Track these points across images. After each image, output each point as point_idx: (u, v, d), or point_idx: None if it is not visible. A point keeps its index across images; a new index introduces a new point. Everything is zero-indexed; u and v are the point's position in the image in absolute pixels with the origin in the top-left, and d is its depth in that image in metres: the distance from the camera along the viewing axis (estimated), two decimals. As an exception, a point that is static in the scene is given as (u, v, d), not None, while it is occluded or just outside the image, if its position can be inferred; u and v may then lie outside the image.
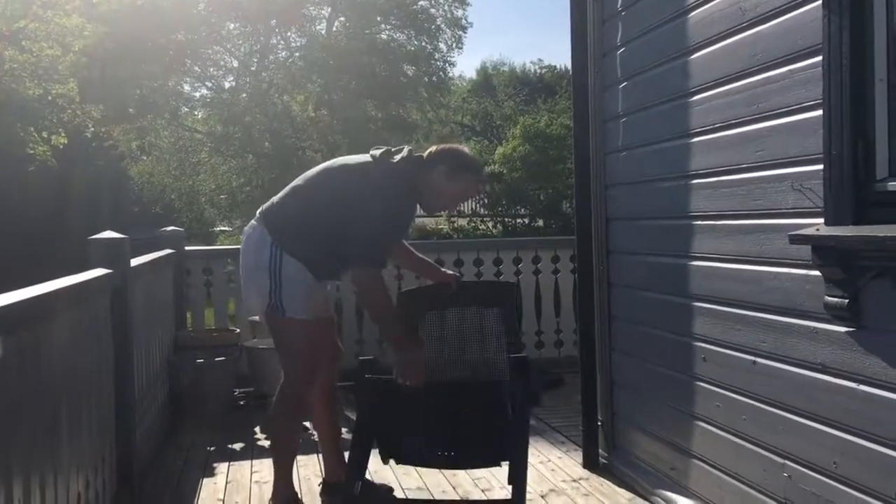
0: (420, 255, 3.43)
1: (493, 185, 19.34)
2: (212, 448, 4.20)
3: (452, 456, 3.08)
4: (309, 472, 3.72)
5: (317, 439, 3.53)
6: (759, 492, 2.54)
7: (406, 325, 3.07)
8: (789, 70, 2.34)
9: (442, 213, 3.43)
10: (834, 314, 2.15)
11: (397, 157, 2.97)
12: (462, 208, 20.91)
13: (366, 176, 2.94)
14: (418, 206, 3.08)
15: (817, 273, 2.20)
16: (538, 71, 32.65)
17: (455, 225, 19.09)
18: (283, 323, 2.98)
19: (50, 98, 16.21)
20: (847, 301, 2.09)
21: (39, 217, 17.26)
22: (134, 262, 3.49)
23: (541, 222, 19.44)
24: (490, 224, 19.80)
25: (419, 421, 2.98)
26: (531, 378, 2.95)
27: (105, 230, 3.33)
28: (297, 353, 3.00)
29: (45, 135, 16.27)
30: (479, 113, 30.51)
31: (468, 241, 12.84)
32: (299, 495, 3.26)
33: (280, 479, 3.11)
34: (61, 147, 16.30)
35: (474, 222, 19.67)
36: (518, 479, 2.79)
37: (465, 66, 55.59)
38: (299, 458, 3.71)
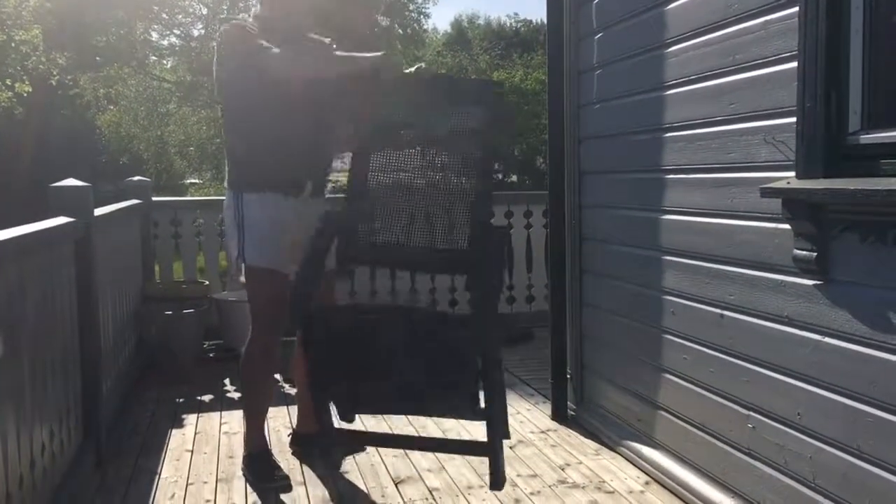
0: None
1: (467, 140, 19.18)
2: (180, 400, 4.18)
3: (415, 401, 2.59)
4: (279, 423, 3.71)
5: (293, 390, 3.52)
6: (724, 442, 2.58)
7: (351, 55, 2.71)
8: (765, 21, 2.32)
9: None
10: (802, 267, 2.16)
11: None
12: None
13: None
14: None
15: (787, 227, 2.20)
16: (514, 25, 32.30)
17: (428, 179, 18.93)
18: (248, 272, 2.94)
19: (13, 45, 15.74)
20: (815, 254, 2.10)
21: (1, 166, 16.91)
22: (98, 211, 3.41)
23: (514, 177, 19.42)
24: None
25: (371, 361, 2.48)
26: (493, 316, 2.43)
27: (69, 178, 3.24)
28: (259, 303, 2.96)
29: (8, 82, 15.83)
30: (454, 67, 30.18)
31: (441, 195, 12.74)
32: (269, 446, 3.25)
33: (251, 431, 3.10)
34: (25, 95, 15.88)
35: (447, 177, 19.51)
36: (495, 419, 2.42)
37: (440, 18, 54.88)
38: (269, 410, 3.71)
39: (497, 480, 2.41)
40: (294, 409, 3.92)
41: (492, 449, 2.40)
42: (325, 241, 2.51)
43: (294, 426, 3.40)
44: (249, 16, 2.96)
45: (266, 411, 3.18)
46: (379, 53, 2.63)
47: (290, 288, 2.58)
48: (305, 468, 3.14)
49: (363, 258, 2.64)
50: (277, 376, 4.26)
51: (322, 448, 3.12)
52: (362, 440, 3.12)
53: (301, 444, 3.27)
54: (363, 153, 2.54)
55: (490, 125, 2.45)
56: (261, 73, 2.73)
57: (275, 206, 2.88)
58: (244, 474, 3.06)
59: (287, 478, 3.00)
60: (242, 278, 3.00)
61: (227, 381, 4.54)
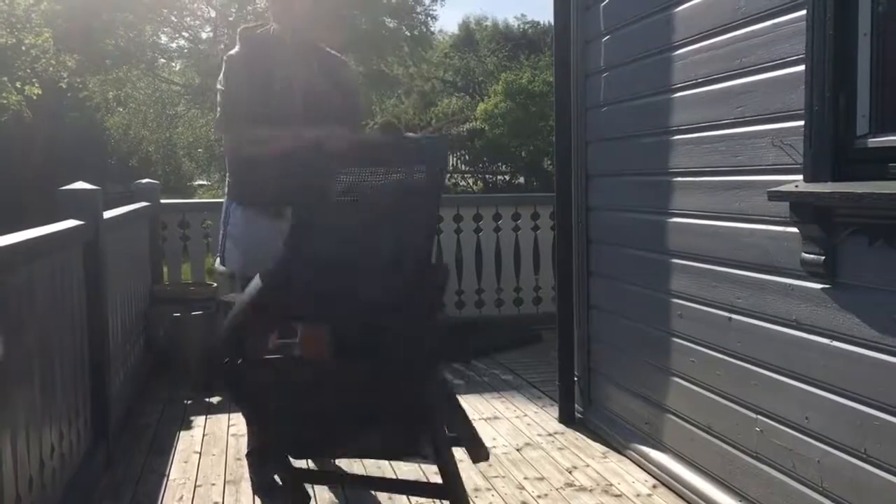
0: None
1: (474, 142, 19.24)
2: (188, 401, 4.19)
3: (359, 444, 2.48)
4: None
5: None
6: (731, 446, 2.57)
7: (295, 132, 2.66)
8: (773, 24, 2.31)
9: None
10: (809, 271, 2.16)
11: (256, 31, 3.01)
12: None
13: None
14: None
15: (795, 230, 2.20)
16: (521, 26, 32.29)
17: (436, 181, 18.92)
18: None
19: (23, 48, 15.82)
20: (823, 258, 2.09)
21: (11, 169, 16.98)
22: (107, 214, 3.43)
23: (522, 179, 19.41)
24: (471, 180, 19.74)
25: (305, 411, 2.38)
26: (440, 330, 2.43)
27: (79, 181, 3.26)
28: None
29: (18, 85, 15.91)
30: (461, 68, 30.21)
31: (448, 196, 12.77)
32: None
33: (252, 430, 3.12)
34: (35, 98, 15.95)
35: (454, 178, 19.61)
36: (440, 451, 2.29)
37: (448, 20, 54.94)
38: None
39: None
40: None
41: (451, 492, 2.32)
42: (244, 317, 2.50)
43: None
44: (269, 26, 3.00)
45: None
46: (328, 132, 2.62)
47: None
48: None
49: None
50: None
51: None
52: (319, 478, 3.03)
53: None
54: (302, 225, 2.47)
55: (433, 183, 2.38)
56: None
57: (256, 223, 2.93)
58: (251, 476, 3.07)
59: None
60: (217, 265, 3.14)
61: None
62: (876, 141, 1.99)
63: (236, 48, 2.96)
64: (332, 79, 2.98)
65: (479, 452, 2.51)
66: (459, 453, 3.29)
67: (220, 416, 3.93)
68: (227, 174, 3.05)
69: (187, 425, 3.79)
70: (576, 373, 3.73)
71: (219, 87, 2.91)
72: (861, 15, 2.01)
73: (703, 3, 2.66)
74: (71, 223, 2.91)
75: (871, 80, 2.01)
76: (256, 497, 2.92)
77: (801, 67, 2.16)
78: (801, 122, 2.15)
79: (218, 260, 3.11)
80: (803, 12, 2.14)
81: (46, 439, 2.44)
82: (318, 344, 2.49)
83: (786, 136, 2.25)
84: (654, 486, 2.96)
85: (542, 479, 3.05)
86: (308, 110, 2.88)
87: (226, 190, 3.08)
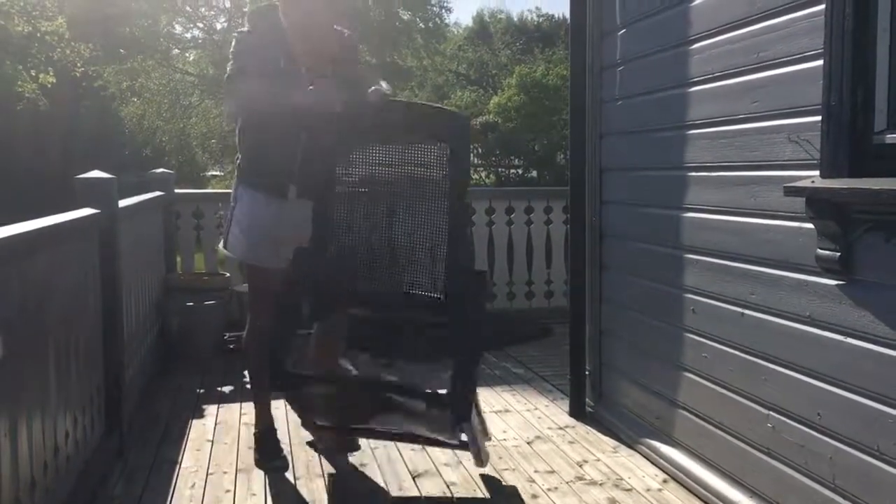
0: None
1: (488, 135, 19.21)
2: (201, 390, 4.22)
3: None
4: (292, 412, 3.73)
5: None
6: (743, 441, 2.57)
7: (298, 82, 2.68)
8: (791, 18, 2.30)
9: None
10: (825, 267, 2.15)
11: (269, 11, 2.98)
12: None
13: None
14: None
15: (810, 226, 2.19)
16: (536, 19, 32.21)
17: (448, 174, 18.91)
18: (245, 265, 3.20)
19: (39, 35, 15.90)
20: (839, 254, 2.08)
21: (27, 156, 17.09)
22: (122, 203, 3.45)
23: (534, 173, 19.38)
24: (483, 174, 19.72)
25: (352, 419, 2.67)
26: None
27: (95, 170, 3.28)
28: (248, 289, 3.20)
29: (33, 73, 16.00)
30: (475, 61, 30.18)
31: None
32: (287, 438, 3.30)
33: (256, 411, 3.24)
34: (49, 86, 16.04)
35: (467, 172, 19.52)
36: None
37: (462, 12, 54.76)
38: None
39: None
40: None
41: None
42: (292, 298, 2.58)
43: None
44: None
45: (267, 393, 3.23)
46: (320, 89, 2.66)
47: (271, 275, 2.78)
48: (324, 461, 3.16)
49: (337, 308, 2.65)
50: None
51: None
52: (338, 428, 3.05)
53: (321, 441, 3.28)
54: (328, 195, 2.54)
55: (458, 158, 2.37)
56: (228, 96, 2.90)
57: (262, 205, 2.97)
58: (254, 453, 3.19)
59: (284, 459, 3.13)
60: (220, 248, 3.22)
61: (246, 371, 4.56)
62: (893, 137, 1.97)
63: (246, 27, 2.97)
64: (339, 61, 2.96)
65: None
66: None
67: (231, 404, 3.95)
68: (238, 156, 3.07)
69: (200, 414, 3.82)
70: (587, 367, 3.73)
71: (228, 64, 2.91)
72: (881, 10, 1.99)
73: (721, -4, 2.65)
74: (87, 211, 2.93)
75: (889, 75, 2.00)
76: (271, 484, 2.94)
77: (819, 62, 2.14)
78: (818, 118, 2.14)
79: (221, 244, 3.17)
80: (822, 7, 2.13)
81: (61, 425, 2.47)
82: (332, 351, 2.58)
83: (802, 131, 2.24)
84: (665, 481, 2.96)
85: (552, 472, 3.05)
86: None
87: (235, 173, 3.10)
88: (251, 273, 3.13)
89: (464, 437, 2.63)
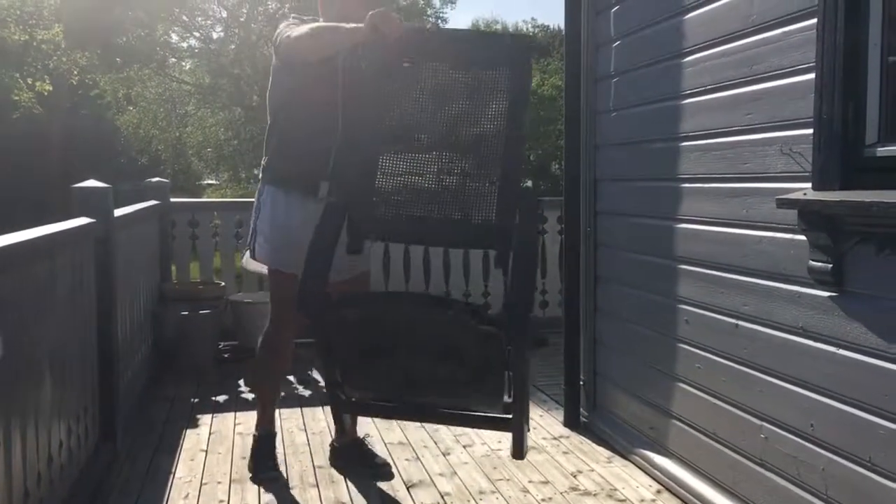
0: None
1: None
2: (195, 400, 4.21)
3: (438, 397, 2.36)
4: (292, 424, 3.74)
5: (306, 392, 3.54)
6: (736, 452, 2.57)
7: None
8: (784, 32, 2.32)
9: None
10: (817, 279, 2.16)
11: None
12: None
13: None
14: None
15: (802, 238, 2.20)
16: (531, 30, 32.30)
17: (444, 184, 18.92)
18: (269, 270, 3.04)
19: (35, 44, 15.91)
20: (831, 266, 2.10)
21: (23, 165, 17.08)
22: (118, 212, 3.46)
23: (529, 183, 19.39)
24: (479, 183, 19.67)
25: (391, 358, 2.28)
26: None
27: (89, 179, 3.29)
28: (272, 300, 3.07)
29: (29, 81, 16.00)
30: (471, 71, 30.17)
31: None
32: (282, 446, 3.29)
33: (259, 414, 3.18)
34: (46, 94, 16.05)
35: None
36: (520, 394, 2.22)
37: (458, 23, 54.95)
38: (283, 410, 3.73)
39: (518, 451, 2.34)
40: (308, 411, 3.95)
41: (517, 425, 2.28)
42: (332, 227, 2.36)
43: (333, 437, 3.35)
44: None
45: (274, 401, 3.21)
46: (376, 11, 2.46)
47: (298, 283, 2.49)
48: (318, 470, 3.16)
49: (376, 232, 2.45)
50: (292, 378, 4.30)
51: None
52: (376, 411, 2.76)
53: (340, 457, 3.23)
54: (368, 115, 2.37)
55: (520, 83, 2.28)
56: (282, 60, 2.79)
57: (286, 208, 2.92)
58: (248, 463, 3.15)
59: (276, 469, 3.10)
60: (244, 263, 3.11)
61: (241, 381, 4.57)
62: (885, 150, 1.99)
63: (292, 20, 2.89)
64: None
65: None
66: (465, 455, 3.30)
67: (226, 414, 3.95)
68: (264, 158, 3.01)
69: (194, 423, 3.81)
70: (581, 377, 3.74)
71: (277, 36, 2.81)
72: (872, 24, 2.02)
73: (715, 10, 2.67)
74: (82, 221, 2.93)
75: (880, 89, 2.02)
76: (265, 494, 2.94)
77: (811, 76, 2.16)
78: (811, 131, 2.16)
79: (247, 254, 3.06)
80: (814, 21, 2.15)
81: (55, 435, 2.46)
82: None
83: (795, 143, 2.26)
84: (659, 492, 2.96)
85: (546, 482, 3.05)
86: None
87: (260, 177, 3.03)
88: (275, 281, 3.00)
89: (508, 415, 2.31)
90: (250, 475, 3.09)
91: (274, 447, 3.17)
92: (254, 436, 3.19)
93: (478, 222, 2.32)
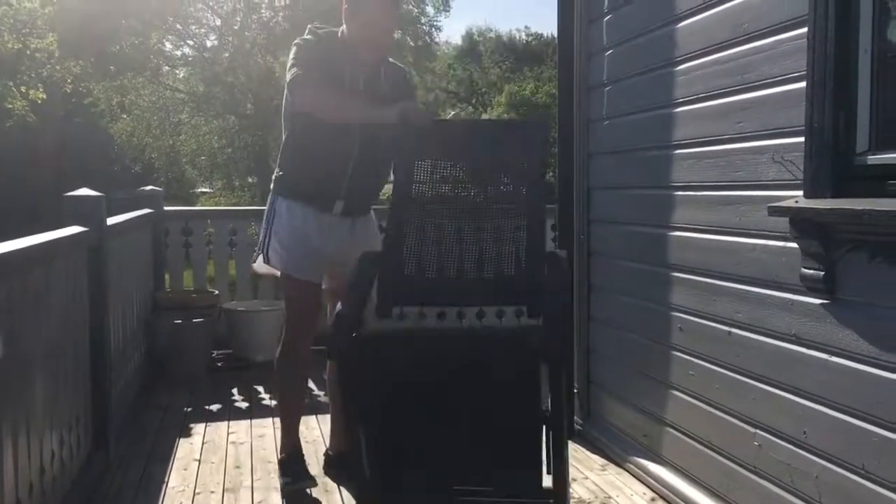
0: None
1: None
2: (188, 409, 4.20)
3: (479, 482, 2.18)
4: (316, 434, 3.71)
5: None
6: (730, 460, 2.58)
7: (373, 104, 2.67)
8: (776, 40, 2.33)
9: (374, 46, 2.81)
10: (809, 286, 2.17)
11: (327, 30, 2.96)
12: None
13: None
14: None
15: (795, 245, 2.21)
16: (525, 38, 32.43)
17: (438, 191, 18.97)
18: (281, 276, 3.04)
19: (29, 53, 15.88)
20: (823, 273, 2.10)
21: (17, 173, 17.03)
22: (111, 220, 3.45)
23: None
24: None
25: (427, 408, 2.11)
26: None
27: (83, 188, 3.28)
28: (287, 308, 3.06)
29: (23, 89, 15.97)
30: (465, 79, 30.32)
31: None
32: (276, 455, 3.27)
33: (284, 435, 3.11)
34: (39, 102, 16.02)
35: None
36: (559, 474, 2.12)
37: (452, 31, 55.17)
38: (277, 419, 3.71)
39: None
40: (302, 420, 3.93)
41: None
42: (364, 283, 2.34)
43: (328, 446, 3.33)
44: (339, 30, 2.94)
45: (298, 414, 3.16)
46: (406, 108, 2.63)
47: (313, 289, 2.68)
48: (344, 492, 3.05)
49: (408, 298, 2.39)
50: (312, 385, 4.25)
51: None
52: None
53: (335, 465, 3.21)
54: (402, 184, 2.47)
55: (536, 158, 2.43)
56: (296, 106, 2.82)
57: (303, 217, 2.93)
58: (280, 481, 3.05)
59: (313, 479, 3.02)
60: (256, 266, 3.10)
61: (234, 390, 4.55)
62: (876, 158, 2.00)
63: (308, 36, 2.90)
64: (395, 88, 2.98)
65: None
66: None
67: (219, 423, 3.93)
68: (278, 165, 3.02)
69: (187, 433, 3.80)
70: (575, 385, 3.74)
71: (290, 60, 2.82)
72: (862, 32, 2.03)
73: (706, 19, 2.68)
74: (75, 229, 2.93)
75: (871, 97, 2.03)
76: (254, 497, 2.92)
77: (803, 84, 2.17)
78: (802, 139, 2.17)
79: (260, 258, 3.04)
80: (805, 30, 2.16)
81: (47, 445, 2.45)
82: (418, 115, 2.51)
83: (786, 152, 2.27)
84: (653, 500, 2.96)
85: (540, 490, 3.04)
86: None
87: (273, 180, 3.04)
88: (290, 287, 3.00)
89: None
90: (282, 486, 3.01)
91: (303, 461, 3.07)
92: (280, 460, 3.11)
93: (508, 279, 2.36)
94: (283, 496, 2.97)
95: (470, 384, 2.07)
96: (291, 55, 2.83)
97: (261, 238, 3.04)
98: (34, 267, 2.33)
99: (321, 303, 3.08)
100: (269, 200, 3.03)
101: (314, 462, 3.30)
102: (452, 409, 2.10)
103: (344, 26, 2.90)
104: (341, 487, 3.07)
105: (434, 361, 2.09)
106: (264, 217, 3.03)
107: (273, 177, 3.06)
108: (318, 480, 3.10)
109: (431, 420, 2.13)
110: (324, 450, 3.34)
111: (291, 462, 3.05)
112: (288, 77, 2.80)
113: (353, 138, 2.87)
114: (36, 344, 2.35)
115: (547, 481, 2.15)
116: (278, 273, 3.03)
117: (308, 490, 2.98)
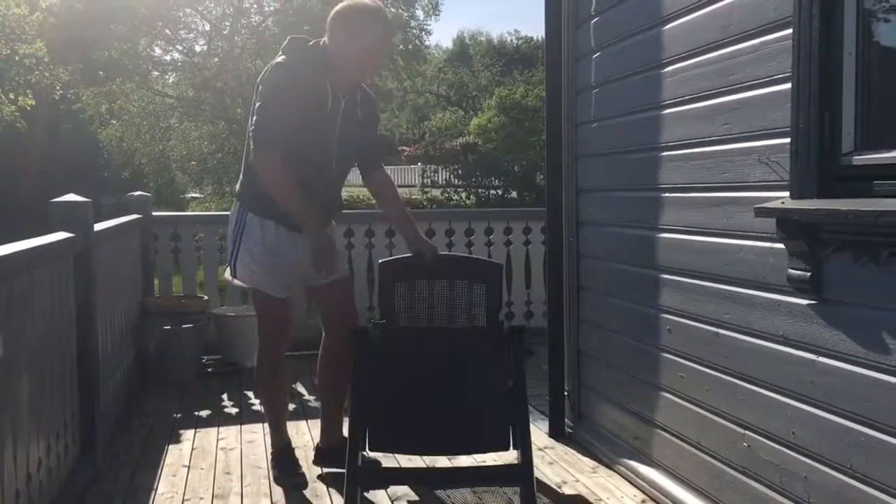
0: (400, 201, 3.29)
1: (468, 156, 19.26)
2: (178, 415, 4.18)
3: (453, 440, 2.90)
4: (306, 440, 3.68)
5: (318, 403, 3.56)
6: (719, 461, 2.58)
7: (312, 211, 2.90)
8: (761, 42, 2.34)
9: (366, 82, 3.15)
10: (796, 287, 2.17)
11: (310, 43, 2.96)
12: (437, 179, 20.84)
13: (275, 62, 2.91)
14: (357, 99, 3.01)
15: (781, 246, 2.21)
16: (515, 42, 32.50)
17: (428, 195, 19.02)
18: (251, 290, 3.16)
19: (17, 58, 15.82)
20: (809, 274, 2.11)
21: (5, 179, 16.96)
22: (98, 226, 3.43)
23: (514, 194, 19.44)
24: (464, 194, 19.74)
25: (413, 398, 2.84)
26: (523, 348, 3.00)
27: (71, 193, 3.27)
28: (260, 319, 3.17)
29: (12, 95, 15.90)
30: (455, 83, 30.35)
31: (440, 211, 12.86)
32: (265, 460, 3.28)
33: (272, 434, 3.27)
34: (29, 108, 15.95)
35: (448, 192, 19.60)
36: (524, 442, 2.81)
37: (442, 34, 55.20)
38: (266, 424, 3.69)
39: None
40: (292, 425, 3.91)
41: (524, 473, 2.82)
42: (389, 293, 3.01)
43: (317, 441, 3.37)
44: (322, 41, 2.95)
45: (283, 415, 3.30)
46: (318, 241, 2.92)
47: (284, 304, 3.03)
48: (334, 495, 3.04)
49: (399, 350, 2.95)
50: (302, 390, 4.42)
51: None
52: (392, 477, 3.13)
53: (325, 458, 3.26)
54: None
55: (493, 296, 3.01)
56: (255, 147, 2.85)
57: (276, 236, 2.97)
58: (271, 471, 3.23)
59: (303, 475, 3.15)
60: (228, 277, 3.16)
61: (224, 395, 4.54)
62: (861, 158, 2.01)
63: (293, 57, 2.88)
64: (367, 114, 3.08)
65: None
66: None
67: (209, 429, 3.91)
68: (246, 181, 3.00)
69: (176, 439, 3.78)
70: (566, 387, 3.74)
71: (263, 89, 2.83)
72: (846, 34, 2.04)
73: (692, 21, 2.69)
74: (61, 235, 2.91)
75: (856, 98, 2.04)
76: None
77: (788, 85, 2.18)
78: (788, 140, 2.17)
79: (228, 271, 3.10)
80: (790, 31, 2.17)
81: (34, 452, 2.43)
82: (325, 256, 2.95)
83: (772, 153, 2.27)
84: (643, 502, 2.96)
85: (531, 493, 3.04)
86: (341, 139, 2.96)
87: (238, 194, 3.05)
88: (263, 303, 3.08)
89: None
90: (274, 478, 3.17)
91: (293, 457, 3.22)
92: (271, 454, 3.26)
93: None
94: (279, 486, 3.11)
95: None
96: (269, 87, 2.82)
97: (230, 250, 3.06)
98: (19, 273, 2.31)
99: (290, 315, 3.18)
100: (236, 210, 3.03)
101: (304, 467, 3.29)
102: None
103: (326, 38, 2.91)
104: (331, 491, 3.06)
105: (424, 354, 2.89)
106: (231, 228, 3.03)
107: (238, 187, 3.06)
108: (310, 485, 3.10)
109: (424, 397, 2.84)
110: (314, 455, 3.33)
111: (281, 456, 3.20)
112: (254, 123, 2.80)
113: (330, 157, 2.95)
114: (21, 350, 2.34)
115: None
116: (247, 286, 3.14)
117: (301, 491, 3.08)
